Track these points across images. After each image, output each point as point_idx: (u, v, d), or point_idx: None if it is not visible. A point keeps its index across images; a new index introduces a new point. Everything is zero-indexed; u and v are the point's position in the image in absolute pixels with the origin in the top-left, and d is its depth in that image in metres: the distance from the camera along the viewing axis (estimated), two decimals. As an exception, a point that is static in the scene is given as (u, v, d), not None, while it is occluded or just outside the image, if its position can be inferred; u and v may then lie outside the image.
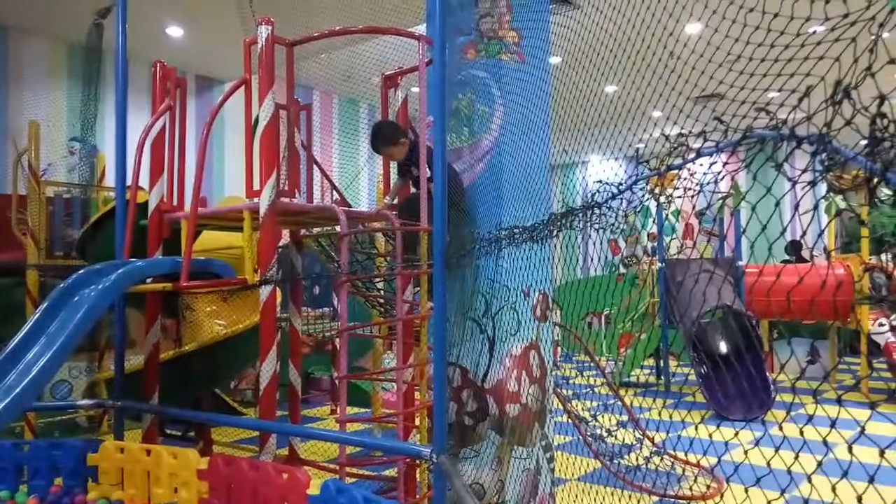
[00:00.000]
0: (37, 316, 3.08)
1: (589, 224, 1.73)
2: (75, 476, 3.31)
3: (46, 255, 5.40)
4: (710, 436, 2.06)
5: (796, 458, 1.38)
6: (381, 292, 4.71)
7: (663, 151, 1.52)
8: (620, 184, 1.61)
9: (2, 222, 5.92)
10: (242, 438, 5.21)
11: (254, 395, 6.70)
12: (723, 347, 7.22)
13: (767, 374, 6.55)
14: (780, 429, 1.61)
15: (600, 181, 1.69)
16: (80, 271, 3.29)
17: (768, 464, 1.48)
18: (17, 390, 2.72)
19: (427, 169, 3.62)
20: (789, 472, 1.39)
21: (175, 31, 7.54)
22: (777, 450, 1.47)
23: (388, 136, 3.63)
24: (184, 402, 4.31)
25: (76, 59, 7.26)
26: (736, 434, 1.89)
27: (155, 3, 6.40)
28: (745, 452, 1.72)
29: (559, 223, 1.94)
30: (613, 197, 1.63)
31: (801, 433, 1.38)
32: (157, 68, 3.82)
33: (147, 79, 5.79)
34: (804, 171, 1.05)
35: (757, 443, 1.74)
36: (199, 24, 7.37)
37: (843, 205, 6.78)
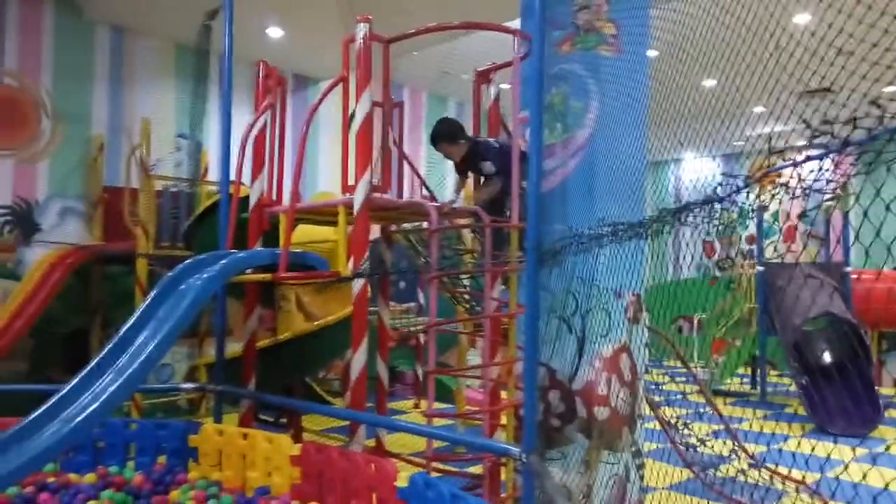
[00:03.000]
0: (146, 303, 3.25)
1: (707, 220, 1.65)
2: (178, 455, 3.49)
3: (155, 245, 5.71)
4: (813, 450, 1.93)
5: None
6: (467, 288, 4.71)
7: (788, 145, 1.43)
8: (748, 176, 1.53)
9: (116, 214, 6.32)
10: (330, 427, 5.34)
11: (341, 385, 6.86)
12: (827, 358, 6.80)
13: (875, 387, 6.13)
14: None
15: (725, 174, 1.60)
16: (187, 261, 3.46)
17: (867, 479, 1.37)
18: (129, 372, 2.89)
19: (492, 165, 3.59)
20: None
21: (275, 32, 7.81)
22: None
23: (450, 133, 3.64)
24: (277, 389, 4.46)
25: (184, 59, 7.64)
26: (843, 449, 1.76)
27: (257, 6, 6.64)
28: (847, 468, 1.61)
29: (671, 219, 1.86)
30: (738, 191, 1.54)
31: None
32: (261, 68, 3.94)
33: (247, 78, 6.06)
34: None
35: (865, 460, 1.61)
36: (299, 26, 7.60)
37: None
